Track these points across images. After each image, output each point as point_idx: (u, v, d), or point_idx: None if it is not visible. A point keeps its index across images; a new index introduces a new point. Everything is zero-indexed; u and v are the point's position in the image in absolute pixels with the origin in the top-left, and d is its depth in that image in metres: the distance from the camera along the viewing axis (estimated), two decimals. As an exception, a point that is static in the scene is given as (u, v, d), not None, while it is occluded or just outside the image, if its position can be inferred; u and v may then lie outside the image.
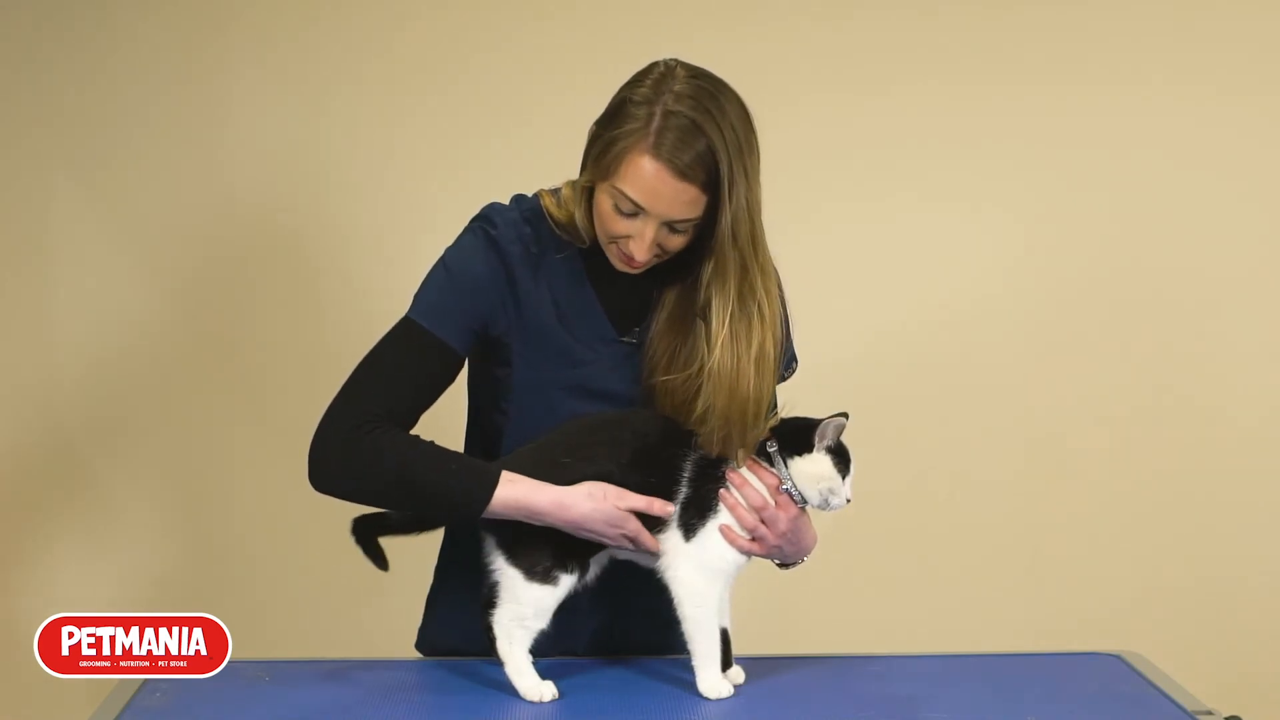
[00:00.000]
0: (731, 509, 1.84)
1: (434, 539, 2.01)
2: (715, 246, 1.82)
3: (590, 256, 1.92)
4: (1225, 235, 3.24)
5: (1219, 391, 3.26)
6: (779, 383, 2.02)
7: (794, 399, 1.97)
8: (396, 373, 1.87)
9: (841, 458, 1.85)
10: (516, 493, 1.81)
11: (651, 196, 1.79)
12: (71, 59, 3.15)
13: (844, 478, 1.86)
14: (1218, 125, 3.21)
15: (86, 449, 3.23)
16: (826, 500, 1.86)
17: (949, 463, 3.27)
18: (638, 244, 1.82)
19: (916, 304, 3.24)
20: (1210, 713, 1.79)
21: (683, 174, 1.77)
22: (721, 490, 1.84)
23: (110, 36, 3.16)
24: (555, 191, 1.94)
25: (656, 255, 1.85)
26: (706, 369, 1.84)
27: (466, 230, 1.94)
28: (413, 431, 1.87)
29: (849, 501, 1.87)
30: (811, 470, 1.85)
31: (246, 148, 3.19)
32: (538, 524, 1.82)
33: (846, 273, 3.21)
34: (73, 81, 3.16)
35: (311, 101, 3.19)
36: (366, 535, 1.89)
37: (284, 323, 3.22)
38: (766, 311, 1.85)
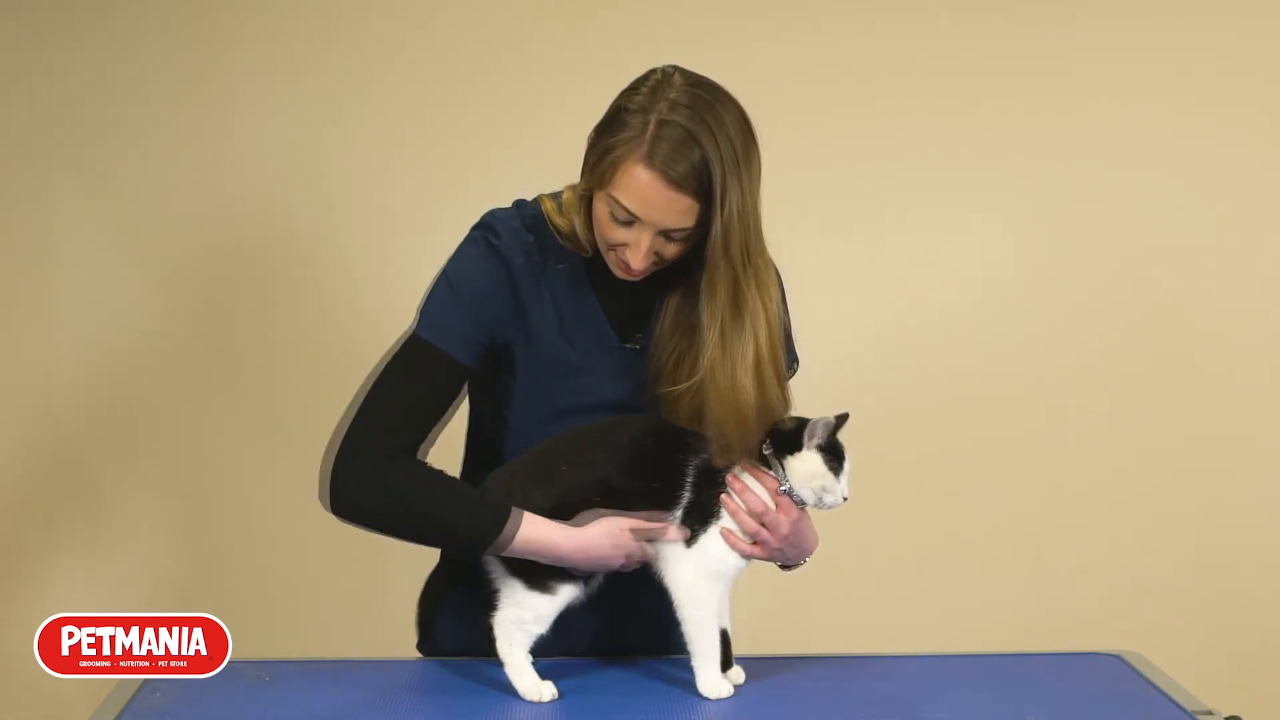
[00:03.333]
0: (733, 514, 1.83)
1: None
2: (707, 256, 1.80)
3: (592, 262, 1.91)
4: (1224, 238, 3.24)
5: (1219, 394, 3.26)
6: None
7: (796, 400, 1.97)
8: (412, 398, 1.84)
9: (834, 455, 1.84)
10: (538, 533, 1.80)
11: (645, 206, 1.77)
12: (75, 64, 3.16)
13: (837, 475, 1.85)
14: (1212, 131, 3.22)
15: (87, 449, 3.24)
16: (821, 498, 1.86)
17: (949, 462, 3.27)
18: (634, 252, 1.80)
19: (917, 305, 3.25)
20: (1210, 713, 1.79)
21: (676, 184, 1.75)
22: (723, 495, 1.83)
23: (113, 42, 3.17)
24: (556, 196, 1.92)
25: (655, 263, 1.84)
26: (703, 377, 1.82)
27: (468, 240, 1.91)
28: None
29: (846, 499, 1.87)
30: (803, 469, 1.84)
31: (249, 151, 3.20)
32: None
33: (848, 273, 3.22)
34: (76, 85, 3.17)
35: (313, 104, 3.20)
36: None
37: (285, 325, 3.22)
38: (762, 322, 1.82)
